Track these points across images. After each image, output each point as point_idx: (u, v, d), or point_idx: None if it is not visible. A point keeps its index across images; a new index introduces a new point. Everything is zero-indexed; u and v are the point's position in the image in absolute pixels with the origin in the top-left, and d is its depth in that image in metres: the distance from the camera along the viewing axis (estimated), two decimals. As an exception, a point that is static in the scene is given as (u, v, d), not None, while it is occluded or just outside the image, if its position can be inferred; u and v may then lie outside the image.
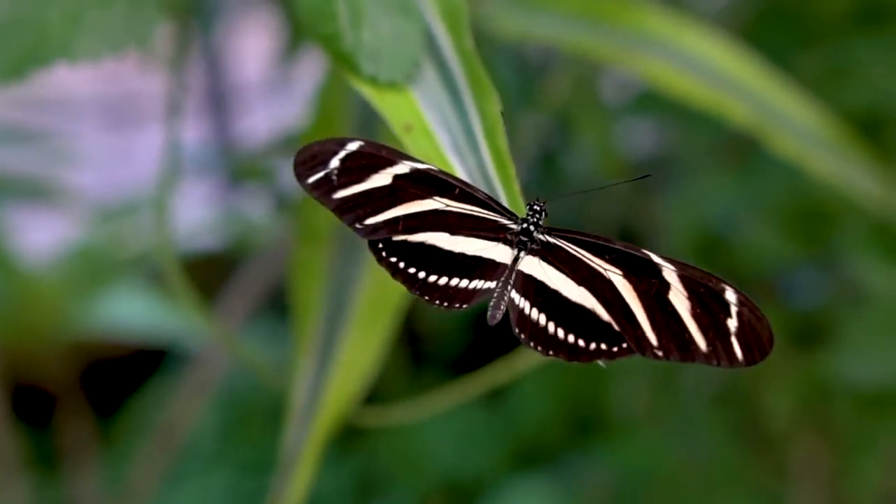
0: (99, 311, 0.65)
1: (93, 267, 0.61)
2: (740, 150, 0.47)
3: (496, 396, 0.76)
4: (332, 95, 0.34)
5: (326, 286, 0.30)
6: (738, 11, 0.51)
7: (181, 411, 0.60)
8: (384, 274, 0.31)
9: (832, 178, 0.35)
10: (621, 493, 0.71)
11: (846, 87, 0.42)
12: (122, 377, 0.75)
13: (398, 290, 0.30)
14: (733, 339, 0.20)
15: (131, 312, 0.68)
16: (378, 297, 0.30)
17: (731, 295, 0.20)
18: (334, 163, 0.21)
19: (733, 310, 0.20)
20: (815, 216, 0.46)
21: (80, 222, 0.65)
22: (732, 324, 0.20)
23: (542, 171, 0.72)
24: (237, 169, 0.60)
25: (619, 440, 0.71)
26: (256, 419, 0.77)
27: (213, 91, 0.77)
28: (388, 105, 0.22)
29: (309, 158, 0.21)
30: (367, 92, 0.23)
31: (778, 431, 0.62)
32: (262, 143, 0.58)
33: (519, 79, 0.63)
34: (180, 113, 0.33)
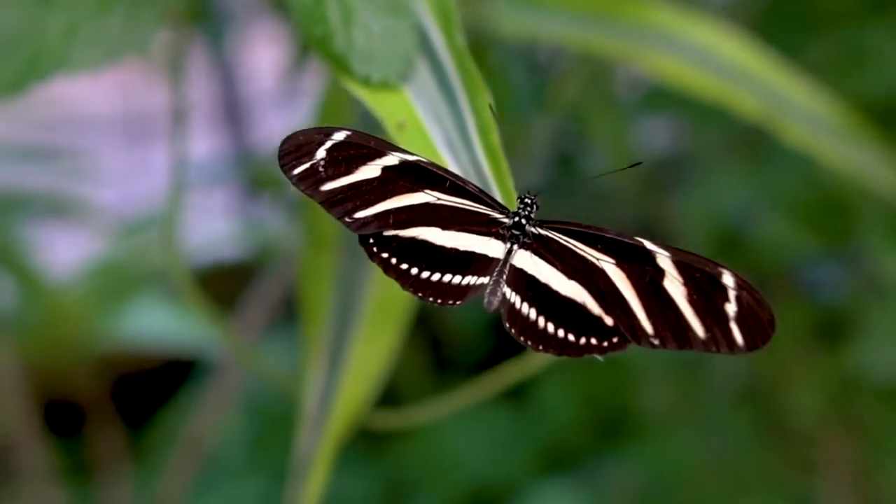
0: (126, 324, 0.66)
1: (116, 281, 0.61)
2: (754, 142, 0.46)
3: (521, 400, 0.75)
4: (336, 101, 0.33)
5: (335, 291, 0.30)
6: (749, 2, 0.50)
7: (208, 421, 0.60)
8: (392, 277, 0.30)
9: (845, 167, 0.34)
10: (648, 495, 0.70)
11: (859, 75, 0.41)
12: (152, 389, 0.75)
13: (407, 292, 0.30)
14: (732, 325, 0.19)
15: (158, 325, 0.68)
16: (386, 301, 0.30)
17: (728, 278, 0.20)
18: (321, 153, 0.21)
19: (731, 294, 0.20)
20: (832, 208, 0.45)
21: (102, 237, 0.65)
22: (731, 308, 0.20)
23: (559, 172, 0.71)
24: (252, 178, 0.60)
25: (645, 442, 0.70)
26: (286, 425, 0.77)
27: (228, 102, 0.77)
28: (381, 104, 0.22)
29: (294, 149, 0.21)
30: (360, 92, 0.22)
31: (804, 428, 0.61)
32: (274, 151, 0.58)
33: (533, 80, 0.63)
34: (184, 125, 0.33)
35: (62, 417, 0.65)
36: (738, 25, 0.38)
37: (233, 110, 0.79)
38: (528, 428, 0.76)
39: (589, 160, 0.69)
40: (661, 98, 0.47)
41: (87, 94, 0.84)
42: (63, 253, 0.68)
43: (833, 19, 0.43)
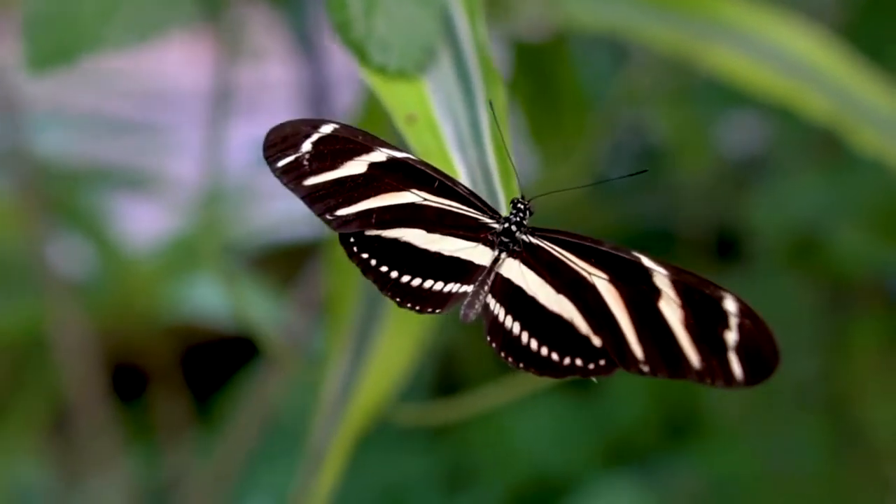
0: (198, 296, 0.67)
1: (189, 254, 0.62)
2: (834, 144, 0.43)
3: (588, 392, 0.74)
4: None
5: (362, 279, 0.29)
6: (845, 3, 0.47)
7: (271, 394, 0.61)
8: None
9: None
10: (711, 500, 0.67)
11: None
12: (221, 361, 0.77)
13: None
14: (731, 355, 0.18)
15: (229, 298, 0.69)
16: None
17: (730, 304, 0.18)
18: (306, 146, 0.20)
19: (733, 321, 0.18)
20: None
21: (179, 210, 0.66)
22: (731, 337, 0.18)
23: (642, 165, 0.69)
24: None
25: (712, 446, 0.67)
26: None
27: (311, 83, 0.77)
28: (393, 95, 0.21)
29: (280, 140, 0.20)
30: (373, 81, 0.21)
31: (883, 444, 0.58)
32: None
33: (617, 71, 0.61)
34: (227, 106, 0.33)
35: (130, 383, 0.67)
36: (830, 25, 0.36)
37: (316, 91, 0.79)
38: (593, 421, 0.74)
39: (673, 154, 0.67)
40: (733, 95, 0.44)
41: (179, 69, 0.85)
42: (141, 224, 0.70)
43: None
